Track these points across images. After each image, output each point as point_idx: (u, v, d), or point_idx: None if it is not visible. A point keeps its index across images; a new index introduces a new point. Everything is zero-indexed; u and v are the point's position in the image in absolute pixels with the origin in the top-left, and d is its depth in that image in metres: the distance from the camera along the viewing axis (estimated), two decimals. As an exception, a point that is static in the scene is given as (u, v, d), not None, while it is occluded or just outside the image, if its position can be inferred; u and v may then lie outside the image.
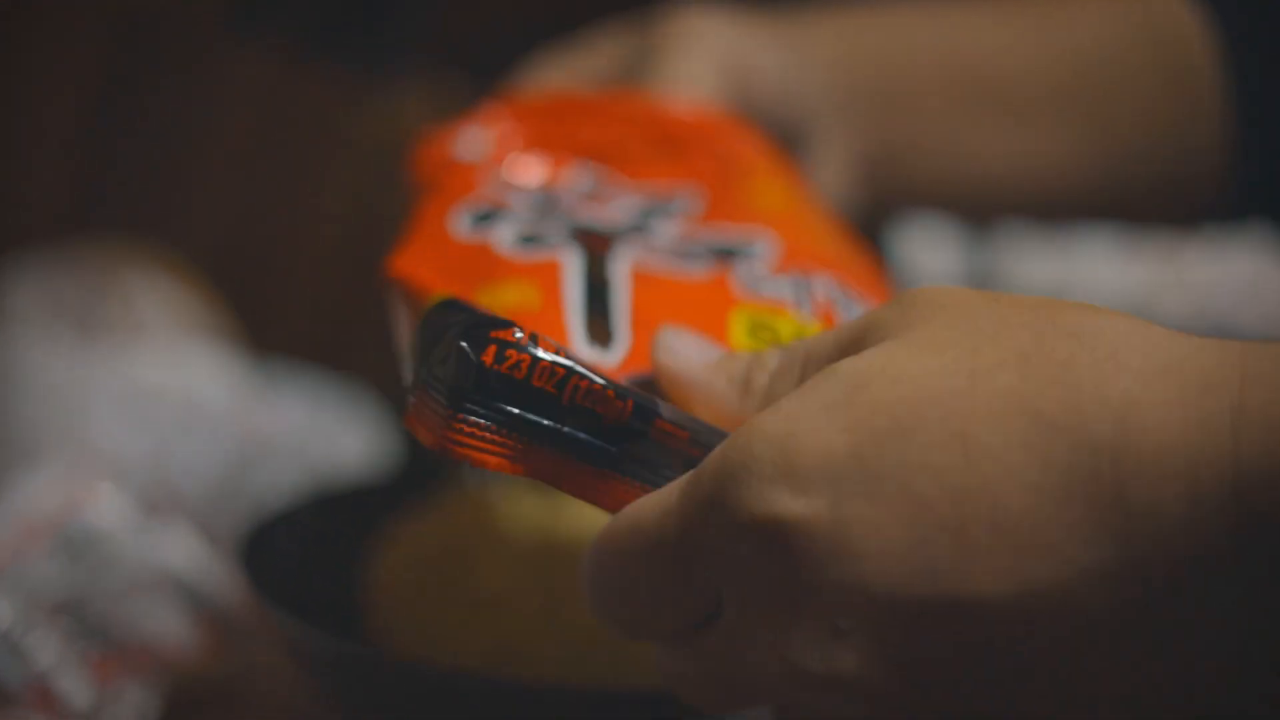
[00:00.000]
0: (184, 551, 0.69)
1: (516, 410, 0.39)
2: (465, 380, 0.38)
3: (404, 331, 0.49)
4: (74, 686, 0.60)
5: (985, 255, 1.27)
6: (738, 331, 0.46)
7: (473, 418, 0.39)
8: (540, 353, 0.39)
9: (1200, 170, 0.66)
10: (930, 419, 0.35)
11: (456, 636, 0.54)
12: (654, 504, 0.38)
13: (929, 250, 1.32)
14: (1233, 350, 0.35)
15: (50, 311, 0.77)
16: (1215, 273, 1.43)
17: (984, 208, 0.70)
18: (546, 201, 0.52)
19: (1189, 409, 0.33)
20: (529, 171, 0.55)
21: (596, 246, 0.49)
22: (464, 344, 0.38)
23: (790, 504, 0.35)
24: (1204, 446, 0.33)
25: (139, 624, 0.64)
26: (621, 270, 0.48)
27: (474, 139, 0.57)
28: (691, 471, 0.38)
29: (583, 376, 0.39)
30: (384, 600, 0.57)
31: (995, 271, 1.28)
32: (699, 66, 0.61)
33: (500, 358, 0.39)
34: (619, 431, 0.39)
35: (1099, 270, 1.40)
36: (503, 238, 0.49)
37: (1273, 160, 0.65)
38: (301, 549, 0.61)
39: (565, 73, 0.66)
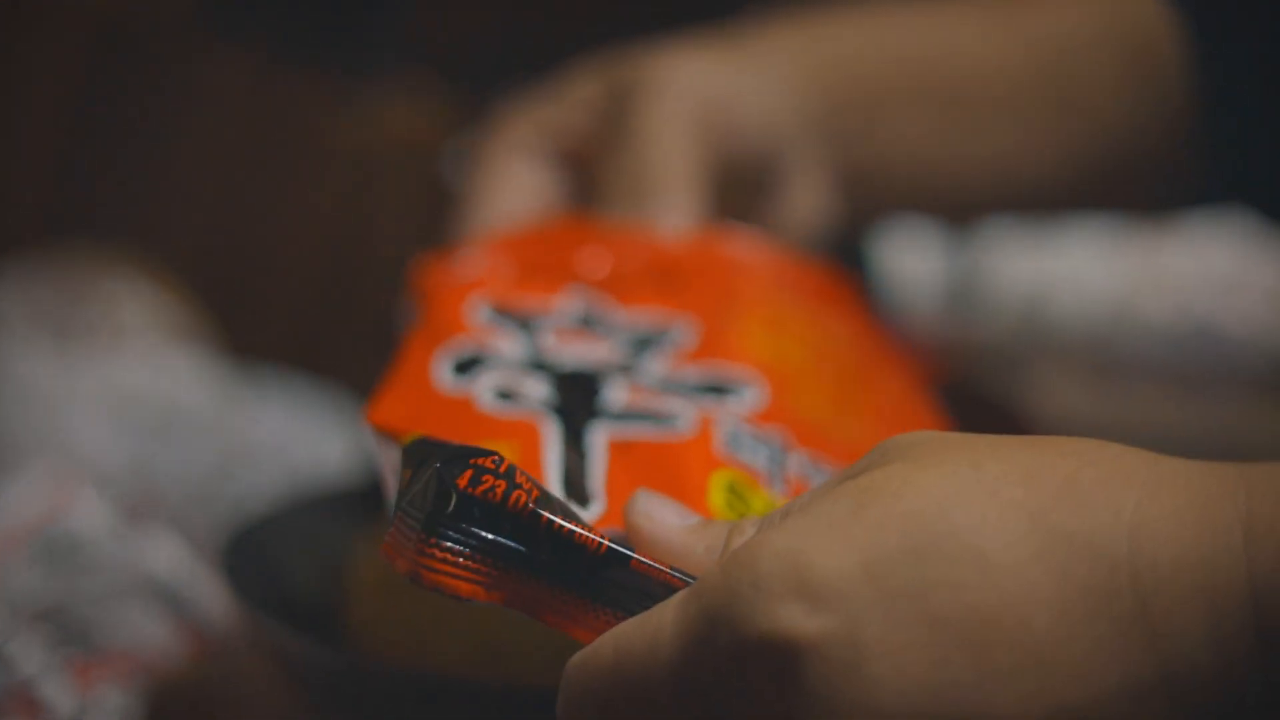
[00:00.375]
0: (165, 557, 0.69)
1: (491, 536, 0.38)
2: (440, 505, 0.37)
3: (388, 474, 0.48)
4: (57, 693, 0.60)
5: (967, 258, 1.28)
6: (716, 495, 0.45)
7: (446, 543, 0.38)
8: (517, 478, 0.38)
9: (1170, 159, 0.66)
10: (942, 533, 0.33)
11: (436, 636, 0.54)
12: (641, 628, 0.36)
13: (910, 256, 1.33)
14: (1231, 468, 0.34)
15: (31, 317, 0.77)
16: (1194, 270, 1.44)
17: (963, 209, 0.70)
18: (532, 339, 0.52)
19: (1200, 522, 0.33)
20: (519, 300, 0.55)
21: (578, 405, 0.49)
22: (439, 467, 0.38)
23: (803, 622, 0.33)
24: (1219, 561, 0.32)
25: (121, 630, 0.64)
26: (599, 442, 0.47)
27: (469, 265, 0.56)
28: (684, 591, 0.36)
29: (560, 504, 0.38)
30: (363, 601, 0.57)
31: (977, 273, 1.28)
32: (674, 119, 0.61)
33: (476, 481, 0.38)
34: (598, 560, 0.38)
35: (1079, 270, 1.41)
36: (483, 391, 0.49)
37: (1241, 149, 0.65)
38: (283, 552, 0.61)
39: (536, 125, 0.65)
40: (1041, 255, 1.45)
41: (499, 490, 0.38)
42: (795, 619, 0.33)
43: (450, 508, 0.38)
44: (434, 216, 0.73)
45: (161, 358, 0.78)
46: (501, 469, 0.38)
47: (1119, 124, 0.66)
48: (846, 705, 0.33)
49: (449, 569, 0.38)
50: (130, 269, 0.82)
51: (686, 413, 0.49)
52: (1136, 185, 0.68)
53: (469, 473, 0.38)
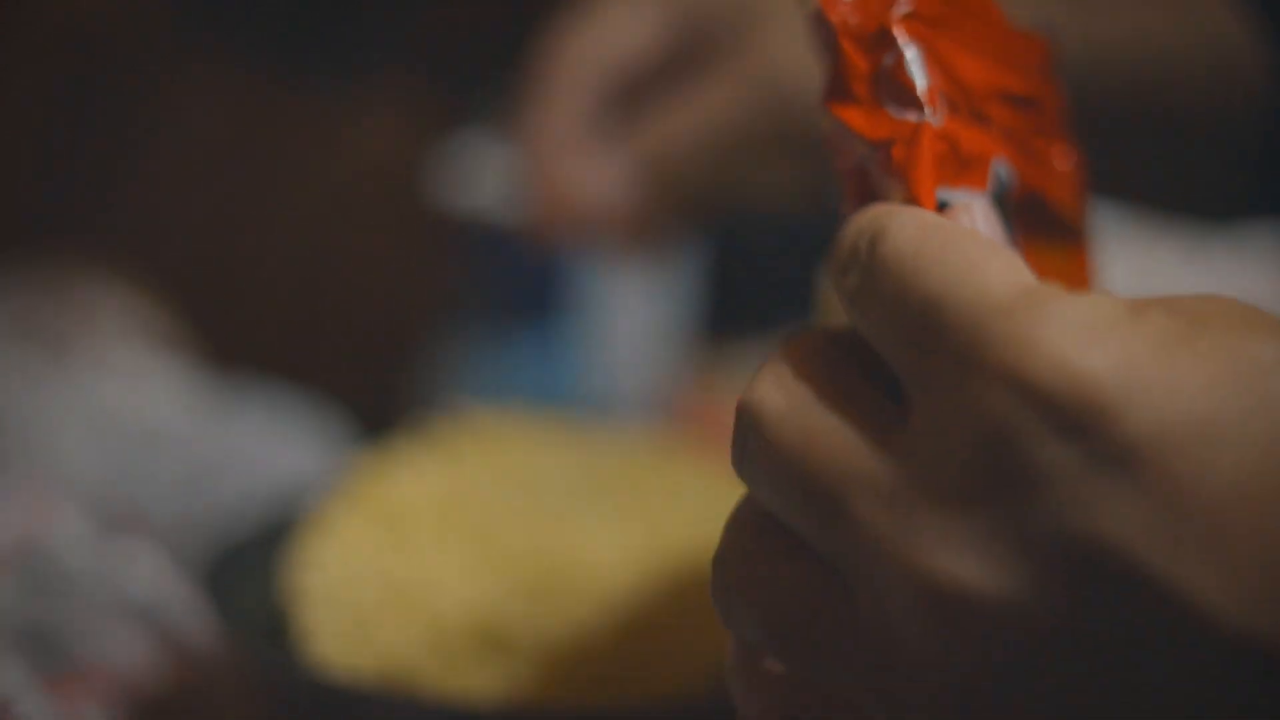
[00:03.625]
0: (145, 573, 0.69)
1: None
2: None
3: None
4: (34, 712, 0.60)
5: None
6: None
7: None
8: None
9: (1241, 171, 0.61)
10: None
11: (389, 644, 0.54)
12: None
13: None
14: None
15: (9, 327, 0.77)
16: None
17: None
18: None
19: None
20: None
21: None
22: None
23: (1115, 514, 0.29)
24: None
25: (100, 647, 0.63)
26: None
27: None
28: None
29: None
30: (312, 613, 0.57)
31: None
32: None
33: None
34: None
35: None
36: None
37: None
38: (260, 568, 0.61)
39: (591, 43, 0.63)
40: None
41: None
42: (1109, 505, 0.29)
43: None
44: (415, 226, 0.73)
45: (141, 367, 0.78)
46: None
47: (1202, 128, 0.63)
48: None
49: None
50: (109, 277, 0.82)
51: None
52: (1209, 190, 0.64)
53: None
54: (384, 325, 0.99)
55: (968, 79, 0.39)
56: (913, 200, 0.36)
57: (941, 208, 0.36)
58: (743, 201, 0.62)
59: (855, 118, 0.38)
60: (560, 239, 0.64)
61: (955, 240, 0.32)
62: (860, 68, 0.38)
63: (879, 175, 0.38)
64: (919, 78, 0.38)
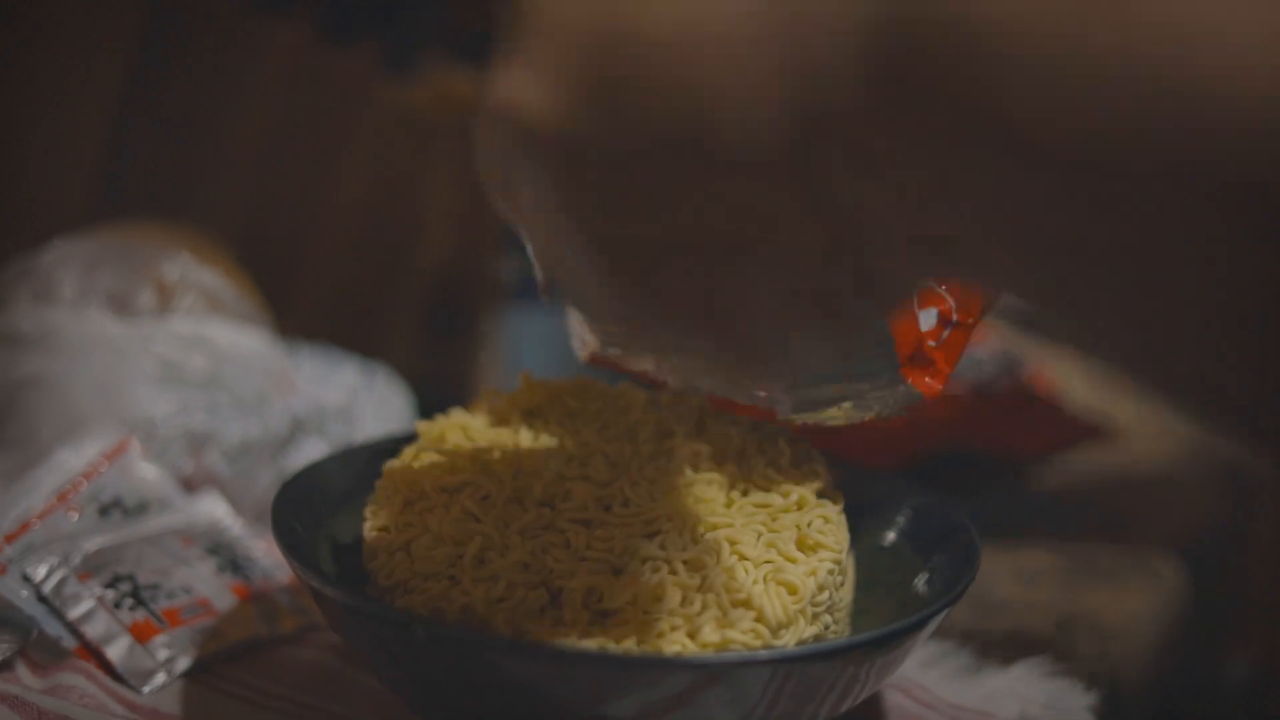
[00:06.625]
0: (214, 515, 0.71)
1: None
2: None
3: None
4: (109, 636, 0.62)
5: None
6: None
7: None
8: None
9: None
10: None
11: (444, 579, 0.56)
12: None
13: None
14: None
15: (86, 291, 0.78)
16: None
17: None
18: None
19: None
20: None
21: None
22: None
23: None
24: None
25: (171, 580, 0.65)
26: None
27: None
28: None
29: None
30: (379, 548, 0.59)
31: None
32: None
33: None
34: None
35: None
36: None
37: None
38: (329, 509, 0.63)
39: None
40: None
41: None
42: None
43: None
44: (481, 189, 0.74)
45: (211, 330, 0.80)
46: None
47: None
48: (535, 24, 0.38)
49: None
50: (181, 245, 0.84)
51: None
52: None
53: None
54: (443, 298, 1.00)
55: None
56: None
57: None
58: None
59: None
60: None
61: None
62: None
63: None
64: None
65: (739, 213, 0.37)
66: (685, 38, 0.36)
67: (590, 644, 0.53)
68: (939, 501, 0.65)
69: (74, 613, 0.63)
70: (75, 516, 0.69)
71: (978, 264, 0.36)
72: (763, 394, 0.53)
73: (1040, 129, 0.32)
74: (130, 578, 0.65)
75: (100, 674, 0.61)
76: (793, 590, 0.56)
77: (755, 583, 0.56)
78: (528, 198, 0.40)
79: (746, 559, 0.57)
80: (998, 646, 0.69)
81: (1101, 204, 0.32)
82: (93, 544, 0.66)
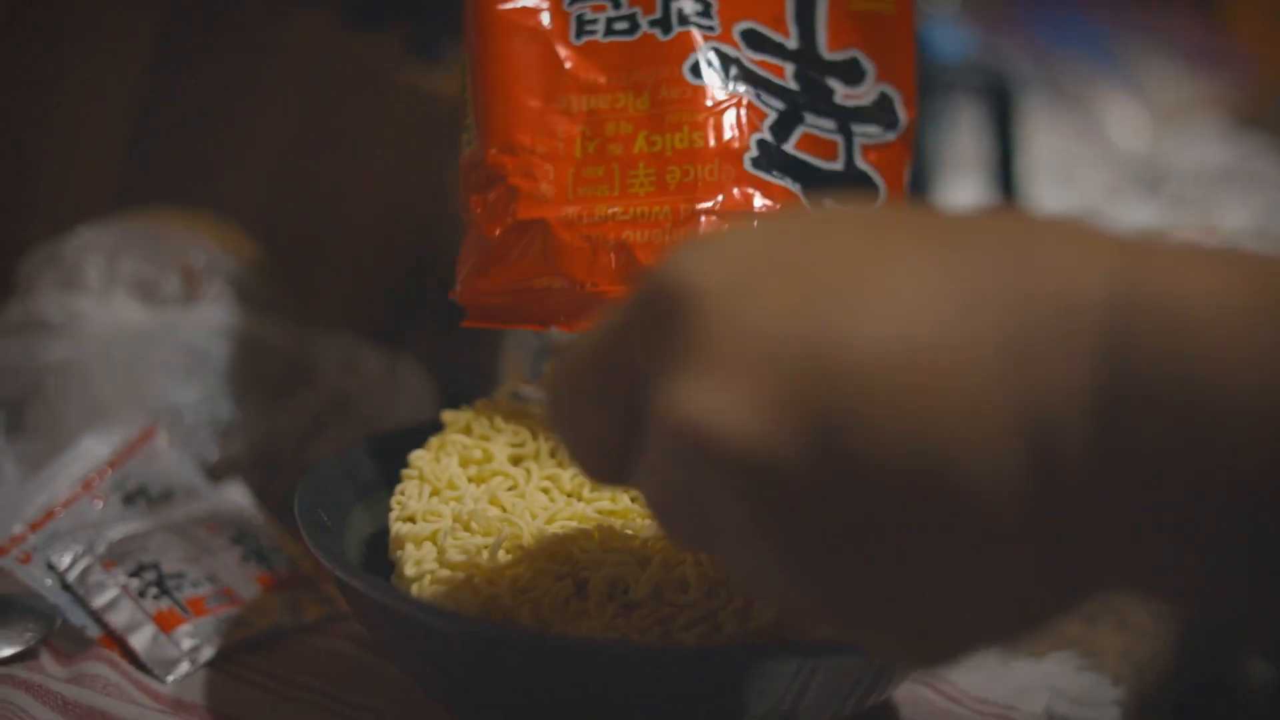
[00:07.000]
0: (238, 503, 0.71)
1: None
2: None
3: None
4: (132, 623, 0.62)
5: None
6: None
7: None
8: None
9: None
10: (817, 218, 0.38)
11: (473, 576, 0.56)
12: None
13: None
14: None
15: (111, 279, 0.78)
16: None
17: None
18: None
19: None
20: None
21: None
22: None
23: (693, 269, 0.37)
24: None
25: (195, 567, 0.65)
26: None
27: None
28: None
29: None
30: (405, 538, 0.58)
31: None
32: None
33: None
34: None
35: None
36: None
37: None
38: (354, 498, 0.63)
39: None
40: (1081, 199, 1.44)
41: None
42: (685, 267, 0.37)
43: None
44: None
45: (235, 318, 0.80)
46: None
47: None
48: (719, 333, 0.35)
49: None
50: (206, 232, 0.84)
51: None
52: None
53: None
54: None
55: None
56: None
57: None
58: None
59: None
60: None
61: None
62: None
63: None
64: None
65: (959, 545, 0.34)
66: (912, 364, 0.33)
67: (614, 635, 0.53)
68: None
69: (98, 601, 0.63)
70: (100, 505, 0.69)
71: (1168, 582, 0.35)
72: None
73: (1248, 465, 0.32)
74: (155, 566, 0.65)
75: (124, 663, 0.61)
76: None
77: None
78: (710, 515, 0.37)
79: None
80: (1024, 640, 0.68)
81: None
82: (117, 532, 0.66)
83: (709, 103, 0.62)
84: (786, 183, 0.61)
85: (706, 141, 0.61)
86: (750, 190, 0.61)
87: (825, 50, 0.64)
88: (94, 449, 0.70)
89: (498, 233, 0.62)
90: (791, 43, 0.64)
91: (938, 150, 1.29)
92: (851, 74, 0.64)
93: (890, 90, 0.64)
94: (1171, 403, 0.33)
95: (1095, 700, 0.64)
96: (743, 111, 0.62)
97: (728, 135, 0.62)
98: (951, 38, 1.45)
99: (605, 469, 0.42)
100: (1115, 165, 1.57)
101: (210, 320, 0.79)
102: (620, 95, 0.62)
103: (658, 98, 0.62)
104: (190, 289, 0.81)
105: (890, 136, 0.64)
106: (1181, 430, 0.33)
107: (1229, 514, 0.33)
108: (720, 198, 0.61)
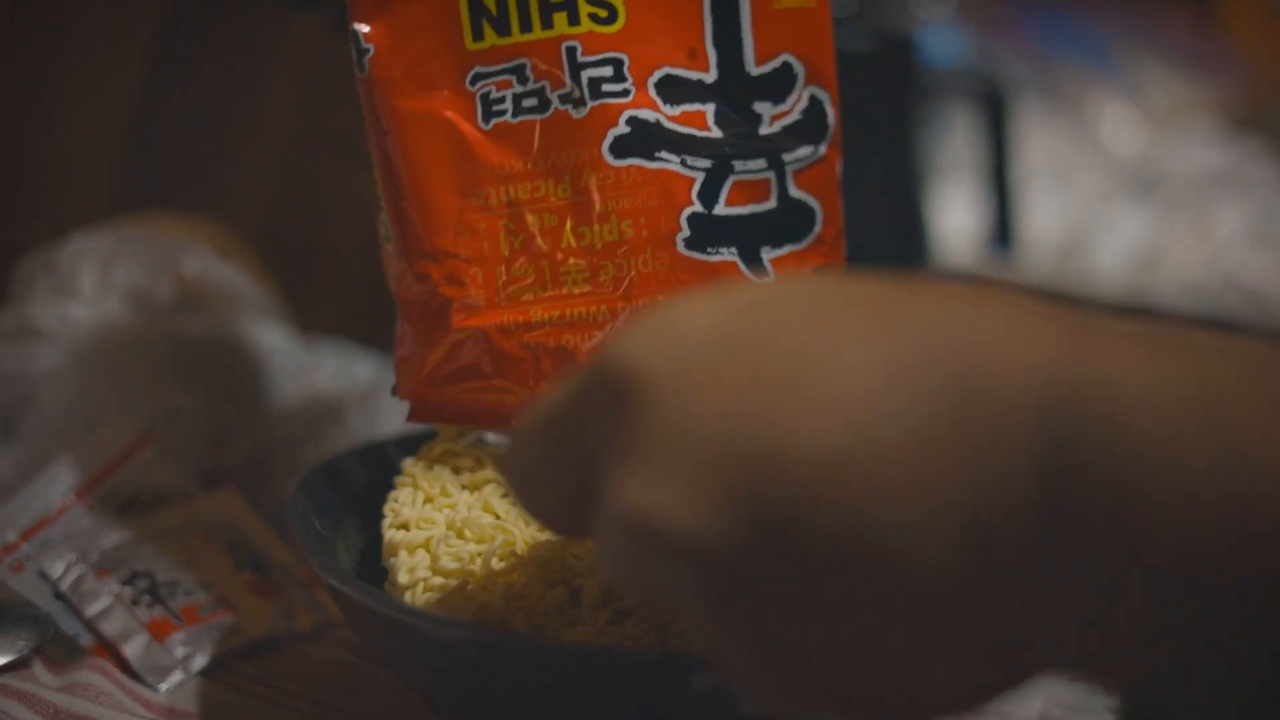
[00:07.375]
0: (233, 512, 0.71)
1: None
2: None
3: None
4: (128, 639, 0.62)
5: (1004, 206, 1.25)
6: None
7: None
8: None
9: None
10: (770, 301, 0.38)
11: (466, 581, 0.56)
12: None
13: (952, 206, 1.31)
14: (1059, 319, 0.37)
15: (105, 285, 0.78)
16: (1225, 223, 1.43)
17: None
18: None
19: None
20: None
21: None
22: None
23: (640, 355, 0.37)
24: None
25: (190, 579, 0.65)
26: None
27: None
28: None
29: None
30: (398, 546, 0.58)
31: (1015, 220, 1.26)
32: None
33: None
34: None
35: (1114, 219, 1.40)
36: None
37: None
38: (348, 505, 0.63)
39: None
40: (1076, 203, 1.44)
41: None
42: (636, 352, 0.37)
43: None
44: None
45: (230, 324, 0.80)
46: None
47: None
48: (668, 427, 0.36)
49: None
50: (201, 239, 0.84)
51: None
52: None
53: None
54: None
55: None
56: None
57: None
58: None
59: None
60: None
61: None
62: None
63: None
64: None
65: (903, 624, 0.36)
66: (853, 458, 0.35)
67: (608, 642, 0.53)
68: None
69: (91, 610, 0.63)
70: (93, 513, 0.69)
71: (1107, 667, 0.37)
72: None
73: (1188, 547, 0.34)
74: (148, 574, 0.65)
75: (117, 671, 0.61)
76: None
77: None
78: (665, 590, 0.38)
79: None
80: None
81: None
82: (110, 540, 0.66)
83: (633, 185, 0.59)
84: (723, 255, 0.60)
85: (638, 231, 0.59)
86: (688, 277, 0.59)
87: (753, 65, 0.60)
88: (87, 457, 0.70)
89: (436, 352, 0.60)
90: (710, 75, 0.60)
91: (932, 155, 1.29)
92: (782, 85, 0.61)
93: (819, 92, 0.61)
94: (1108, 491, 0.34)
95: (1090, 706, 0.64)
96: (671, 186, 0.59)
97: (657, 219, 0.59)
98: (946, 42, 1.45)
99: (562, 527, 0.44)
100: (1110, 169, 1.57)
101: (204, 327, 0.79)
102: (540, 183, 0.59)
103: (580, 185, 0.58)
104: (184, 296, 0.81)
105: (822, 150, 0.61)
106: (1117, 518, 0.34)
107: (1167, 601, 0.34)
108: (658, 297, 0.59)
